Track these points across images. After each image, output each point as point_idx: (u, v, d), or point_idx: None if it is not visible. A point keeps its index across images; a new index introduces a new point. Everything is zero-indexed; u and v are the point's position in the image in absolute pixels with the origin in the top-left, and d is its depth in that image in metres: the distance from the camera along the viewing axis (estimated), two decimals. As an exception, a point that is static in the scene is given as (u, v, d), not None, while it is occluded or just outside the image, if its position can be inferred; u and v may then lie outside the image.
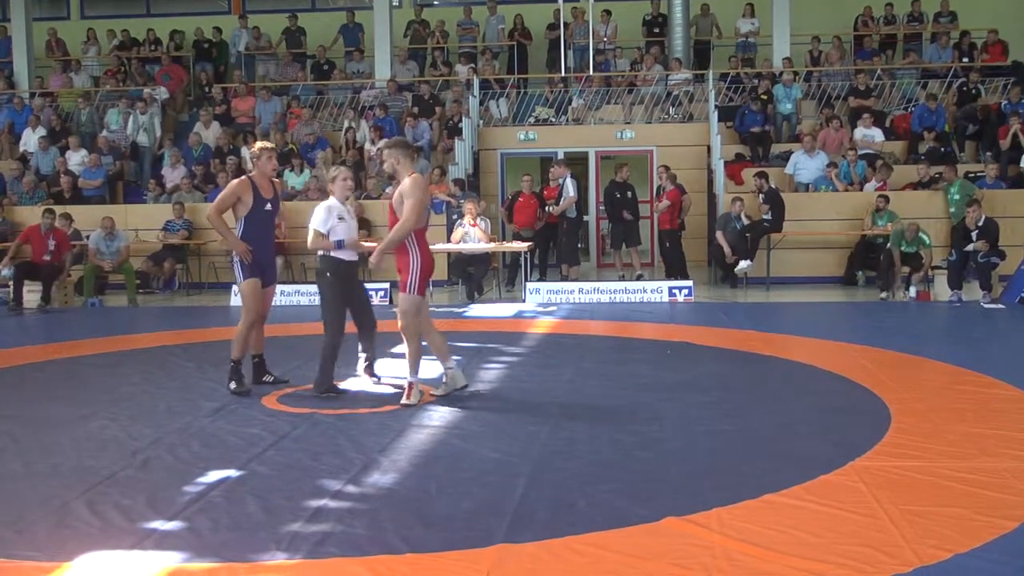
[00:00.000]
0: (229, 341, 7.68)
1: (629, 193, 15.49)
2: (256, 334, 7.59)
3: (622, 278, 15.10)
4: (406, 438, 6.04)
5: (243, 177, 7.49)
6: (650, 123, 18.42)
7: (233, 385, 7.34)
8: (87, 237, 14.95)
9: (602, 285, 13.72)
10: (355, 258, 7.39)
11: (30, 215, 15.84)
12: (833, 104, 17.83)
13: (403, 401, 6.93)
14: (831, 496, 4.77)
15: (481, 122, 18.68)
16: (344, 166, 7.59)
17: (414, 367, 6.98)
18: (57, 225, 14.29)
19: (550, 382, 7.80)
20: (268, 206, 7.47)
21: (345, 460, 5.55)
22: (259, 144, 7.69)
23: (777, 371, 8.17)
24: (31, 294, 13.89)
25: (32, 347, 10.33)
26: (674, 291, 13.39)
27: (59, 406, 7.18)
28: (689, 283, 13.57)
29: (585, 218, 17.45)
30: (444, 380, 7.27)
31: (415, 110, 18.47)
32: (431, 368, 8.28)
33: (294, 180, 16.76)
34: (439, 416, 6.64)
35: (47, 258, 13.92)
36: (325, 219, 7.21)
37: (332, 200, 7.31)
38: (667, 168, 15.39)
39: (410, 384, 7.00)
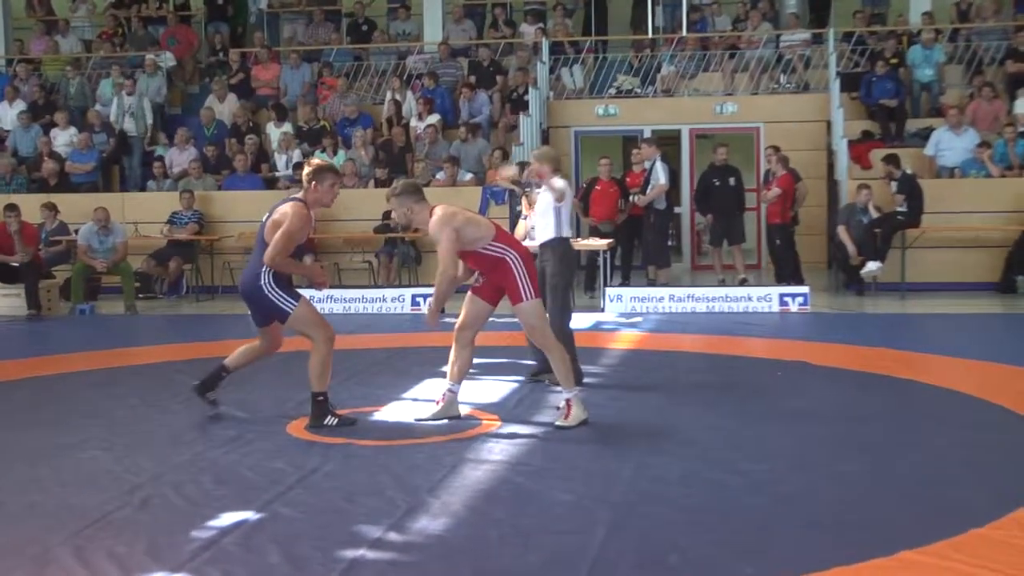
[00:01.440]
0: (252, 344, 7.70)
1: (731, 180, 15.39)
2: (250, 354, 7.56)
3: (722, 283, 14.98)
4: (460, 475, 6.03)
5: (300, 203, 7.09)
6: (756, 94, 18.27)
7: (332, 420, 7.18)
8: (76, 232, 15.20)
9: (698, 291, 13.64)
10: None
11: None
12: (985, 70, 17.54)
13: (559, 422, 7.11)
14: (985, 555, 4.66)
15: (551, 94, 18.69)
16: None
17: (567, 379, 7.16)
18: (25, 219, 14.34)
19: (634, 409, 7.76)
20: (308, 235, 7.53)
21: (386, 501, 5.55)
22: (321, 163, 7.34)
23: (915, 398, 8.05)
24: (6, 299, 14.17)
25: (7, 362, 10.49)
26: (786, 299, 13.28)
27: (40, 432, 7.28)
28: (805, 289, 13.44)
29: (677, 210, 17.37)
30: (439, 401, 7.40)
31: (472, 79, 18.55)
32: (487, 390, 8.27)
33: (326, 163, 16.88)
34: (500, 449, 6.63)
35: (23, 259, 14.02)
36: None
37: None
38: (777, 149, 15.27)
39: (568, 403, 7.14)
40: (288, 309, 7.12)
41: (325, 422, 7.16)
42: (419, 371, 9.27)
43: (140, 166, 18.03)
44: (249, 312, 7.38)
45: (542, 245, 8.67)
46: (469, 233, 7.06)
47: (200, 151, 17.45)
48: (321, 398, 7.20)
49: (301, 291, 7.59)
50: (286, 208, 7.09)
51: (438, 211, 7.07)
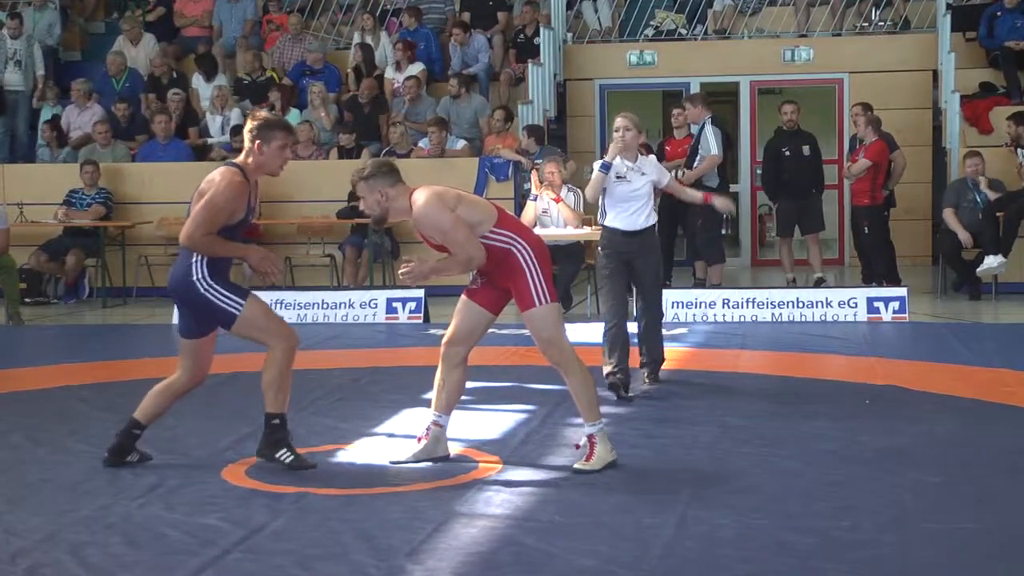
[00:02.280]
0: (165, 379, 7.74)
1: (804, 149, 15.41)
2: (167, 394, 7.44)
3: (793, 283, 14.99)
4: (449, 534, 6.04)
5: (234, 169, 7.09)
6: (839, 35, 18.30)
7: (287, 456, 7.20)
8: (-62, 215, 15.21)
9: (760, 294, 13.66)
10: None
11: None
12: None
13: (578, 465, 7.13)
14: None
15: (569, 36, 18.73)
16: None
17: (591, 409, 7.21)
18: None
19: (677, 447, 7.78)
20: (252, 215, 7.47)
21: (353, 569, 5.56)
22: (268, 116, 7.39)
23: (1048, 435, 8.05)
24: None
25: None
26: (876, 304, 13.31)
27: None
28: (902, 291, 13.49)
29: (733, 188, 17.40)
30: (421, 438, 7.45)
31: (465, 17, 18.58)
32: (485, 423, 8.32)
33: (274, 126, 16.93)
34: (501, 500, 6.64)
35: None
36: None
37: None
38: (867, 108, 15.27)
39: (591, 440, 7.17)
40: (233, 310, 7.07)
41: (278, 455, 7.18)
42: (395, 398, 9.31)
43: (27, 131, 18.05)
44: (178, 319, 7.38)
45: (636, 232, 9.47)
46: (465, 215, 7.07)
47: (107, 110, 17.50)
48: (277, 421, 7.21)
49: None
50: (214, 175, 7.09)
51: (421, 194, 7.06)
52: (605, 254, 9.65)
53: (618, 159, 9.45)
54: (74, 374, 10.87)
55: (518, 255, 7.15)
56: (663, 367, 10.06)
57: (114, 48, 18.56)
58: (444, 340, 7.42)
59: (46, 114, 17.78)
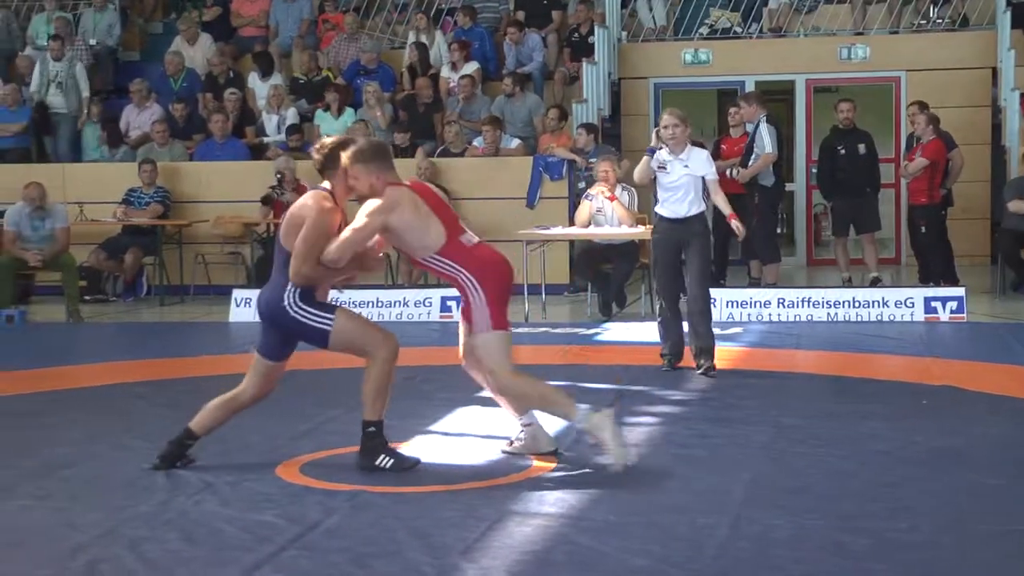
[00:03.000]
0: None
1: (860, 147, 15.33)
2: (227, 407, 7.39)
3: (848, 282, 14.92)
4: (503, 533, 6.05)
5: (324, 194, 7.13)
6: (896, 33, 18.20)
7: (386, 460, 7.18)
8: (0, 214, 15.39)
9: (816, 294, 13.61)
10: None
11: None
12: None
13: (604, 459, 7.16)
14: None
15: (624, 35, 18.71)
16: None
17: (566, 409, 7.26)
18: None
19: (732, 447, 7.76)
20: None
21: (407, 566, 5.58)
22: (365, 143, 7.39)
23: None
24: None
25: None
26: (934, 304, 13.24)
27: (-48, 478, 7.36)
28: (959, 291, 13.42)
29: (789, 187, 17.34)
30: (513, 443, 7.54)
31: (520, 16, 18.59)
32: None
33: (330, 125, 17.04)
34: (555, 499, 6.65)
35: None
36: None
37: None
38: (924, 106, 15.18)
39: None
40: (325, 326, 7.07)
41: (378, 461, 7.13)
42: (449, 396, 9.34)
43: (69, 153, 18.02)
44: (262, 338, 7.30)
45: (680, 219, 10.11)
46: (397, 225, 7.05)
47: (165, 109, 17.61)
48: (372, 429, 7.16)
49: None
50: (306, 201, 7.11)
51: (390, 191, 7.09)
52: (656, 240, 10.42)
53: (664, 150, 10.08)
54: (132, 371, 10.96)
55: (462, 283, 7.14)
56: (718, 366, 10.08)
57: (172, 48, 18.67)
58: (461, 353, 7.49)
59: (91, 133, 17.73)
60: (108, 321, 14.66)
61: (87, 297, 15.45)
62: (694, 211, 10.18)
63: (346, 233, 7.02)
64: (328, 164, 7.19)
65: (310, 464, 7.41)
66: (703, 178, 10.21)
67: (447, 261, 7.14)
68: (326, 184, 7.23)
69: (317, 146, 7.42)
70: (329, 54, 18.52)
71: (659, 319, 10.49)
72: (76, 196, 16.16)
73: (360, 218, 7.03)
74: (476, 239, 7.32)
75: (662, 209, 10.27)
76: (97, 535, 6.10)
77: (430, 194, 7.31)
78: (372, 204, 7.04)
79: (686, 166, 10.08)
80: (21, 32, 19.54)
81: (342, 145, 7.25)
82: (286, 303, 7.07)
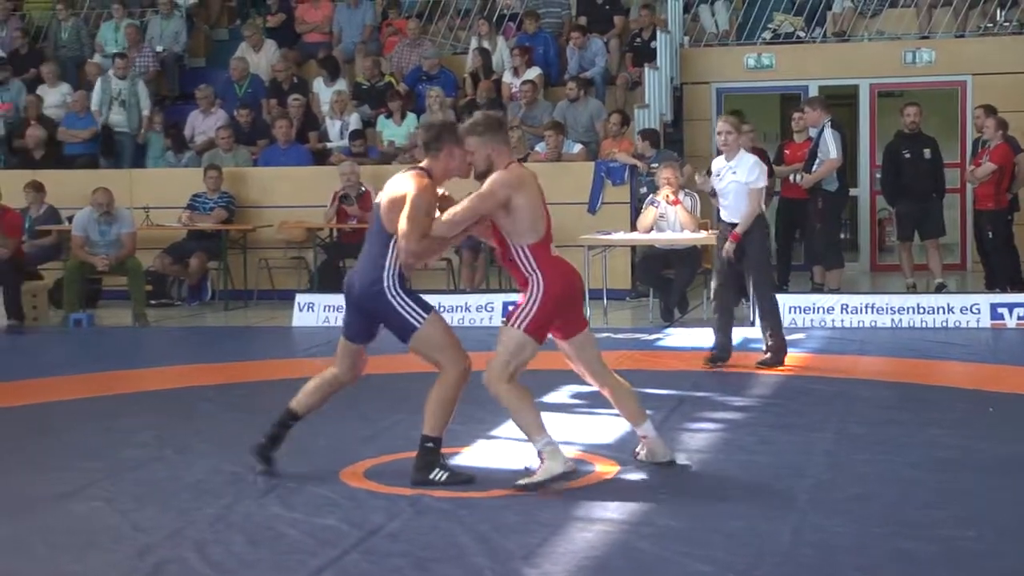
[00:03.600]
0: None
1: (925, 152, 15.23)
2: (326, 387, 7.39)
3: (913, 288, 14.82)
4: (564, 538, 6.06)
5: (421, 173, 7.10)
6: (962, 36, 18.05)
7: (441, 475, 7.09)
8: (69, 219, 15.52)
9: (880, 300, 13.52)
10: None
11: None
12: None
13: (521, 481, 6.97)
14: None
15: (686, 39, 18.66)
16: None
17: (533, 430, 7.01)
18: (3, 203, 14.72)
19: (794, 454, 7.74)
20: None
21: (469, 571, 5.60)
22: (446, 120, 7.52)
23: None
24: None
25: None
26: (1000, 310, 13.16)
27: (20, 479, 7.43)
28: (1026, 298, 13.29)
29: (853, 192, 17.26)
30: (640, 450, 7.44)
31: (582, 21, 18.59)
32: (601, 428, 8.31)
33: (392, 131, 17.10)
34: (616, 505, 6.65)
35: (2, 254, 14.29)
36: None
37: None
38: (991, 110, 15.07)
39: (540, 457, 6.99)
40: (416, 322, 7.04)
41: (432, 475, 7.05)
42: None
43: (131, 165, 17.97)
44: (347, 322, 7.32)
45: (734, 224, 10.52)
46: (519, 206, 6.97)
47: (230, 115, 17.72)
48: (431, 445, 7.10)
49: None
50: (403, 180, 7.07)
51: (511, 169, 7.05)
52: (716, 244, 11.13)
53: (721, 156, 10.77)
54: (198, 375, 11.04)
55: (532, 284, 7.03)
56: (782, 371, 10.12)
57: (237, 54, 18.75)
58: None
59: (155, 141, 17.79)
60: (173, 325, 14.77)
61: (153, 301, 15.57)
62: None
63: (467, 202, 6.97)
64: (433, 142, 7.15)
65: (374, 469, 7.45)
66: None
67: (532, 258, 7.04)
68: (423, 164, 7.19)
69: (424, 124, 7.39)
70: (392, 60, 18.58)
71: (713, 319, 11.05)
72: (142, 201, 16.29)
73: (486, 188, 6.95)
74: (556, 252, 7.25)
75: (722, 212, 10.83)
76: (164, 537, 6.17)
77: (540, 189, 7.23)
78: (501, 177, 6.96)
79: (734, 172, 10.45)
80: (90, 39, 19.70)
81: (448, 124, 7.26)
82: (385, 285, 7.02)
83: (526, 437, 7.03)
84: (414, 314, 7.04)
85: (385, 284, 7.02)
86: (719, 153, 10.87)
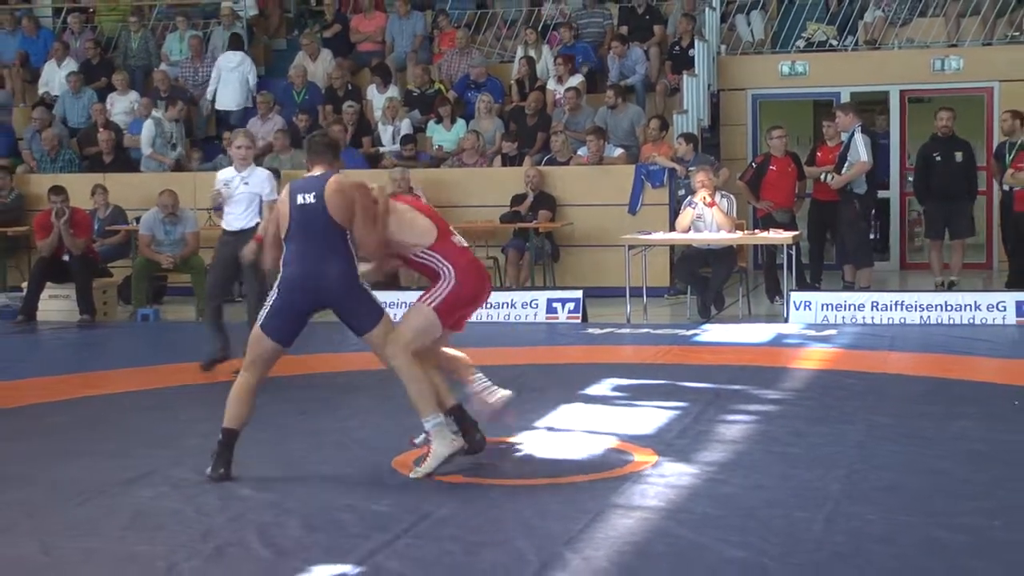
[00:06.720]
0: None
1: (957, 155, 15.14)
2: (252, 399, 7.27)
3: (942, 285, 14.74)
4: (606, 524, 6.06)
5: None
6: (990, 44, 17.92)
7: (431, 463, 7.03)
8: (136, 220, 15.60)
9: (909, 297, 13.43)
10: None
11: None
12: None
13: (416, 471, 7.01)
14: None
15: (723, 48, 18.60)
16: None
17: (424, 405, 7.06)
18: (75, 205, 14.72)
19: (827, 445, 7.70)
20: None
21: (514, 555, 5.61)
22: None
23: None
24: (55, 301, 14.60)
25: (50, 379, 10.81)
26: (1025, 308, 13.04)
27: (91, 465, 7.50)
28: (1053, 295, 13.18)
29: (882, 194, 17.15)
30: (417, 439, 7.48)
31: (623, 31, 18.56)
32: (640, 418, 8.31)
33: (442, 136, 17.10)
34: (656, 492, 6.64)
35: (74, 252, 14.36)
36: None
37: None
38: (1018, 114, 14.96)
39: (427, 437, 7.09)
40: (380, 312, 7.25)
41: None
42: (555, 394, 9.34)
43: None
44: (290, 329, 7.42)
45: None
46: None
47: (288, 120, 17.77)
48: (438, 421, 7.16)
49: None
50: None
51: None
52: None
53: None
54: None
55: (442, 275, 7.25)
56: (808, 367, 10.05)
57: (295, 63, 18.81)
58: None
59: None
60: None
61: (215, 297, 15.63)
62: None
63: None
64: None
65: (424, 457, 7.45)
66: None
67: (437, 255, 7.37)
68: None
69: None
70: (441, 67, 18.60)
71: None
72: (206, 202, 16.30)
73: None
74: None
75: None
76: (224, 521, 6.23)
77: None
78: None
79: None
80: (157, 49, 19.82)
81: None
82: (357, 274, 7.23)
83: (416, 409, 7.07)
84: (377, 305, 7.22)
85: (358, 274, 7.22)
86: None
